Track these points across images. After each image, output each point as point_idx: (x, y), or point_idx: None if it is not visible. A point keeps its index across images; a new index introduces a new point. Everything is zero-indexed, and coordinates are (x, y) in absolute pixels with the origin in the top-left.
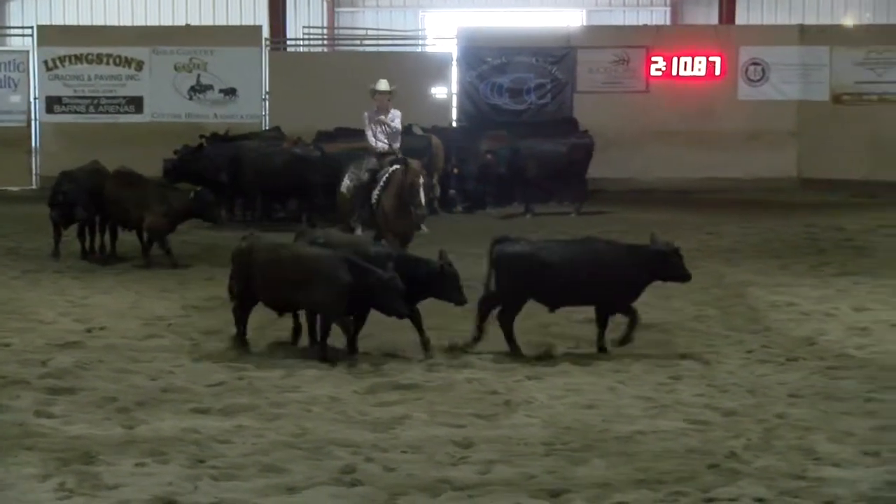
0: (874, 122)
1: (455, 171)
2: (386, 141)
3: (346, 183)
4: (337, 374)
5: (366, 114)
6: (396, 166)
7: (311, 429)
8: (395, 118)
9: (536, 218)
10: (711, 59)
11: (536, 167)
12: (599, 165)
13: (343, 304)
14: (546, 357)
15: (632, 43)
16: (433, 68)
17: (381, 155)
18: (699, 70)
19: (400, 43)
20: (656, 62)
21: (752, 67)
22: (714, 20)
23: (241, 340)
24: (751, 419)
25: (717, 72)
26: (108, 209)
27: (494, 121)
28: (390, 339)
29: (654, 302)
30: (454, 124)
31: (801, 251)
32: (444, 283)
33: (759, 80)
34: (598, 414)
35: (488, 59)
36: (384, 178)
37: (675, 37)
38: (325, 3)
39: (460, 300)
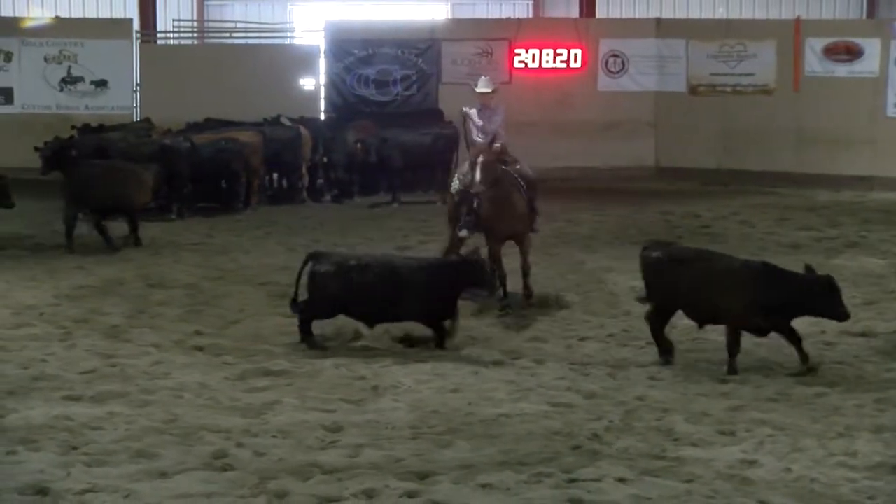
0: (727, 112)
1: (324, 160)
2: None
3: (455, 185)
4: (207, 361)
5: (465, 110)
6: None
7: (182, 415)
8: (496, 115)
9: (401, 207)
10: (572, 51)
11: (402, 157)
12: (464, 155)
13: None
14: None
15: (495, 35)
16: (301, 60)
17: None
18: (560, 62)
19: (268, 36)
20: (519, 54)
21: (611, 59)
22: (575, 13)
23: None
24: (611, 401)
25: (578, 64)
26: None
27: (361, 111)
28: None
29: (515, 288)
30: (322, 115)
31: (659, 238)
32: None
33: (618, 72)
34: (463, 398)
35: (355, 51)
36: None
37: (536, 30)
38: None
39: None
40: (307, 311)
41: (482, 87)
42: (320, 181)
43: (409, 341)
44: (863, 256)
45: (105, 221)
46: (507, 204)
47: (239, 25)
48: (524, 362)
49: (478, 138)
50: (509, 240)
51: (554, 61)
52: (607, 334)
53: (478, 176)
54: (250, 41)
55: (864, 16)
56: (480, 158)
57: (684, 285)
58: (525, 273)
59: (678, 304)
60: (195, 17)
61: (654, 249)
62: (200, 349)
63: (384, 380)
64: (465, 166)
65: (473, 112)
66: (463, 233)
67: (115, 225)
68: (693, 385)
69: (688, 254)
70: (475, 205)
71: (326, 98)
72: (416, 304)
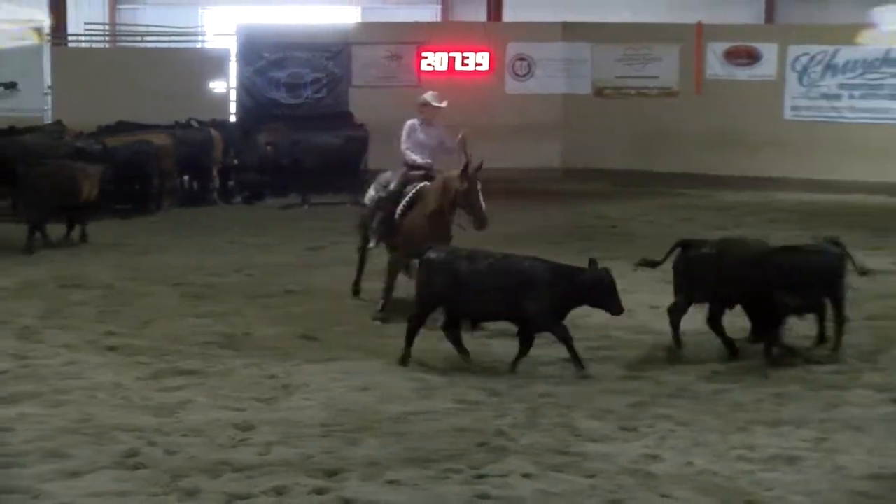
0: (633, 114)
1: (235, 162)
2: (421, 155)
3: (371, 193)
4: (120, 361)
5: (407, 123)
6: (426, 183)
7: (95, 414)
8: (444, 135)
9: (313, 208)
10: (480, 55)
11: (313, 159)
12: (375, 157)
13: None
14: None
15: (404, 39)
16: (212, 64)
17: (411, 168)
18: (468, 65)
19: (180, 39)
20: (427, 58)
21: (518, 63)
22: (483, 18)
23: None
24: (516, 399)
25: (486, 67)
26: None
27: (272, 114)
28: None
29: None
30: (233, 118)
31: (568, 238)
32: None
33: (525, 75)
34: (372, 396)
35: (266, 54)
36: (412, 194)
37: (445, 34)
38: (106, 0)
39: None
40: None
41: (434, 100)
42: (231, 183)
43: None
44: None
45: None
46: (440, 225)
47: (151, 29)
48: (431, 361)
49: (416, 156)
50: None
51: (462, 65)
52: (514, 333)
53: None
54: (162, 45)
55: (763, 21)
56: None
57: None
58: None
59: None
60: (107, 21)
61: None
62: (114, 349)
63: (295, 378)
64: (386, 177)
65: (415, 124)
66: (371, 244)
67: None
68: (596, 382)
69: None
70: (396, 217)
71: (238, 101)
72: (535, 305)
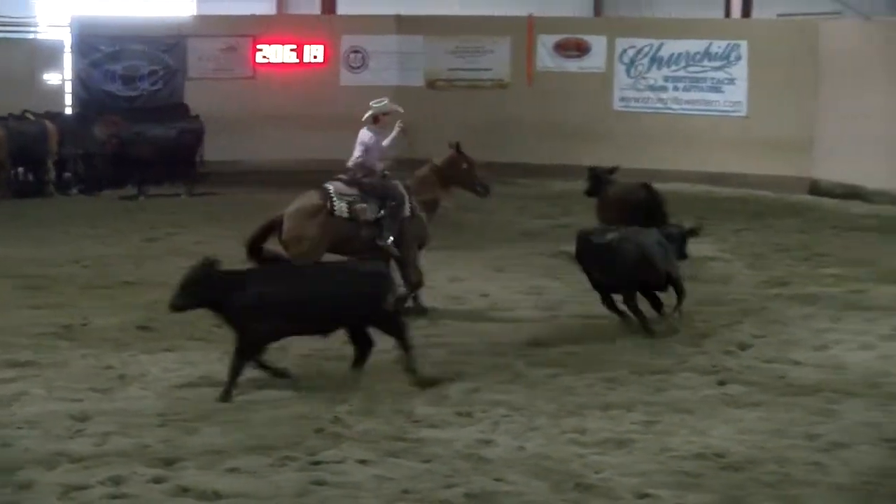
0: (466, 106)
1: (71, 154)
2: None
3: (341, 207)
4: None
5: (370, 137)
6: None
7: None
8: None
9: (149, 200)
10: (314, 47)
11: (149, 151)
12: (210, 149)
13: None
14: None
15: (240, 32)
16: (46, 56)
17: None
18: (304, 58)
19: (12, 30)
20: (262, 50)
21: (352, 55)
22: (317, 11)
23: None
24: (354, 386)
25: (321, 59)
26: None
27: (109, 106)
28: None
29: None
30: (68, 110)
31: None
32: None
33: (359, 67)
34: (210, 385)
35: (101, 46)
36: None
37: (280, 26)
38: None
39: None
40: None
41: (392, 106)
42: (67, 174)
43: None
44: None
45: None
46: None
47: None
48: (270, 349)
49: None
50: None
51: (297, 57)
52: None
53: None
54: None
55: (592, 14)
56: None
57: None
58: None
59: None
60: None
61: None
62: None
63: (132, 369)
64: (342, 186)
65: (376, 137)
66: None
67: None
68: (432, 368)
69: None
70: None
71: (73, 93)
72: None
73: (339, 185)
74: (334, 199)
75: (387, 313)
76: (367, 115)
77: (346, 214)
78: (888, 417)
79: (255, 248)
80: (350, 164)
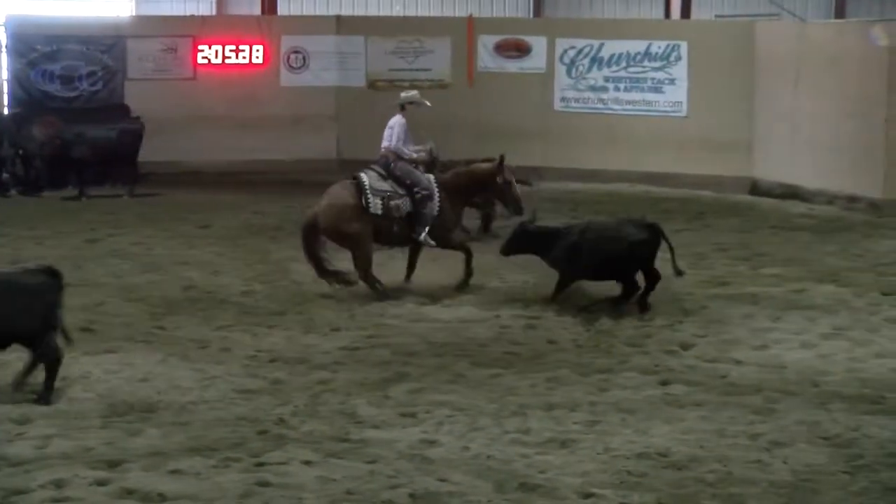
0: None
1: (10, 154)
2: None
3: (376, 202)
4: None
5: (401, 122)
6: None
7: None
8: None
9: (91, 201)
10: (255, 47)
11: (88, 151)
12: (151, 149)
13: None
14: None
15: (179, 32)
16: None
17: (412, 163)
18: (244, 58)
19: None
20: (202, 50)
21: (293, 56)
22: (257, 11)
23: None
24: (296, 387)
25: (261, 60)
26: None
27: (47, 107)
28: None
29: (200, 277)
30: (5, 110)
31: None
32: None
33: (300, 68)
34: (152, 386)
35: (38, 46)
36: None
37: (220, 27)
38: None
39: None
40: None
41: (418, 98)
42: (6, 175)
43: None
44: None
45: None
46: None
47: None
48: (211, 350)
49: (412, 153)
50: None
51: (237, 57)
52: (291, 322)
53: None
54: None
55: (532, 15)
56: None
57: None
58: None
59: None
60: None
61: None
62: None
63: (73, 370)
64: (378, 183)
65: (405, 124)
66: (431, 242)
67: None
68: (375, 369)
69: None
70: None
71: (10, 93)
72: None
73: (373, 175)
74: (369, 195)
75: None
76: (398, 102)
77: (380, 212)
78: (827, 416)
79: (314, 256)
80: (382, 150)
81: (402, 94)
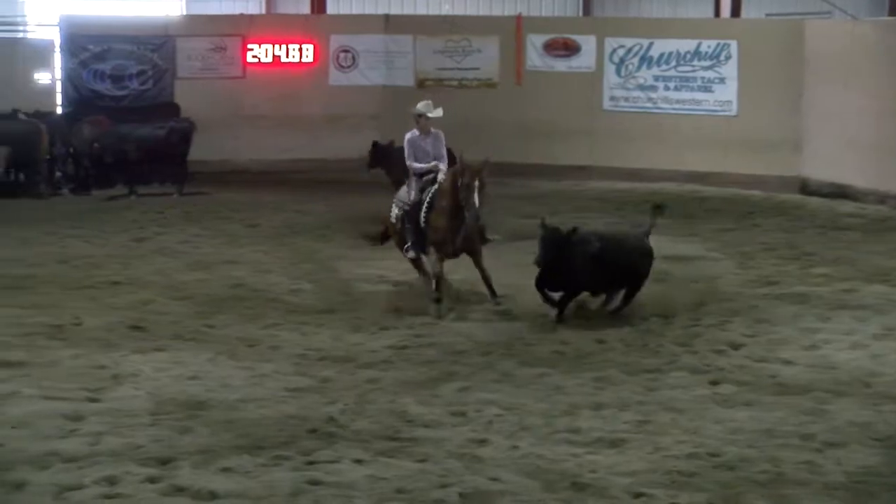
0: (454, 105)
1: (61, 154)
2: (424, 162)
3: (395, 212)
4: None
5: (407, 136)
6: (440, 179)
7: None
8: (439, 140)
9: (139, 199)
10: (304, 46)
11: (138, 150)
12: (198, 148)
13: None
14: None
15: (228, 32)
16: (35, 55)
17: (421, 176)
18: (293, 57)
19: (1, 30)
20: (252, 49)
21: (342, 54)
22: (306, 10)
23: None
24: (346, 386)
25: (310, 59)
26: None
27: (97, 106)
28: None
29: (248, 275)
30: (58, 110)
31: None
32: None
33: (349, 67)
34: (202, 384)
35: (90, 46)
36: (428, 198)
37: (269, 26)
38: None
39: None
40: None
41: (427, 110)
42: (58, 174)
43: None
44: None
45: None
46: (460, 219)
47: None
48: (260, 349)
49: (420, 164)
50: (463, 252)
51: (286, 56)
52: (339, 321)
53: (476, 199)
54: None
55: (581, 14)
56: (477, 182)
57: None
58: (486, 280)
59: None
60: None
61: None
62: None
63: (123, 368)
64: (403, 192)
65: (417, 137)
66: (410, 254)
67: None
68: (424, 367)
69: None
70: (421, 223)
71: (63, 92)
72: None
73: (403, 189)
74: (393, 205)
75: None
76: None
77: (393, 220)
78: (879, 417)
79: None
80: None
81: (417, 106)
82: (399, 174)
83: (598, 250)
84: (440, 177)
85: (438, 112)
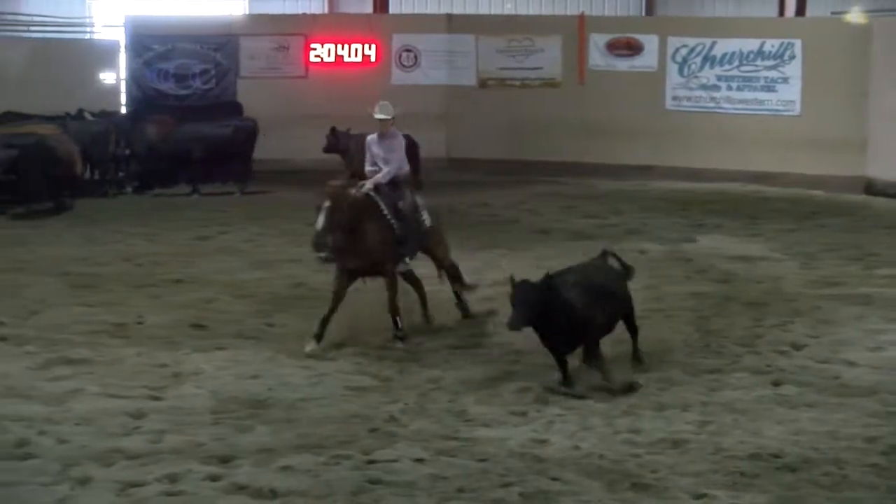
0: (516, 105)
1: (126, 153)
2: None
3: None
4: (8, 351)
5: (367, 139)
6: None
7: None
8: (395, 144)
9: (202, 198)
10: (367, 46)
11: (201, 149)
12: (260, 147)
13: None
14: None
15: (291, 31)
16: (101, 55)
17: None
18: (355, 56)
19: (67, 30)
20: (315, 49)
21: (405, 54)
22: (368, 10)
23: None
24: (406, 385)
25: (373, 58)
26: None
27: (162, 105)
28: None
29: (309, 274)
30: (123, 109)
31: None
32: None
33: (411, 66)
34: (262, 383)
35: (154, 46)
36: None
37: (332, 25)
38: None
39: None
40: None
41: (380, 113)
42: (122, 174)
43: None
44: (643, 242)
45: None
46: (359, 236)
47: (36, 19)
48: (321, 346)
49: (371, 167)
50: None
51: (349, 56)
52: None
53: (322, 221)
54: (48, 36)
55: (644, 13)
56: (326, 203)
57: None
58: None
59: None
60: None
61: None
62: (2, 339)
63: (185, 367)
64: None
65: (373, 140)
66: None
67: None
68: (483, 366)
69: None
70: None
71: (127, 92)
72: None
73: None
74: None
75: None
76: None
77: None
78: None
79: None
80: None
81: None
82: (358, 165)
83: (581, 290)
84: (367, 185)
85: (385, 113)
